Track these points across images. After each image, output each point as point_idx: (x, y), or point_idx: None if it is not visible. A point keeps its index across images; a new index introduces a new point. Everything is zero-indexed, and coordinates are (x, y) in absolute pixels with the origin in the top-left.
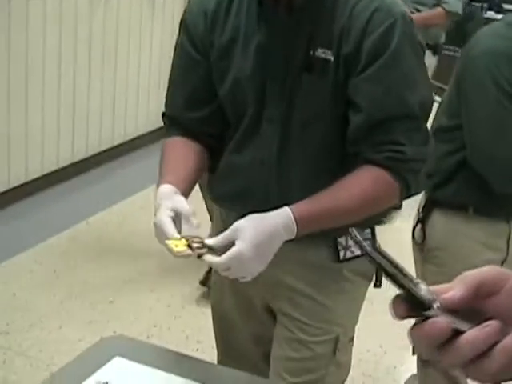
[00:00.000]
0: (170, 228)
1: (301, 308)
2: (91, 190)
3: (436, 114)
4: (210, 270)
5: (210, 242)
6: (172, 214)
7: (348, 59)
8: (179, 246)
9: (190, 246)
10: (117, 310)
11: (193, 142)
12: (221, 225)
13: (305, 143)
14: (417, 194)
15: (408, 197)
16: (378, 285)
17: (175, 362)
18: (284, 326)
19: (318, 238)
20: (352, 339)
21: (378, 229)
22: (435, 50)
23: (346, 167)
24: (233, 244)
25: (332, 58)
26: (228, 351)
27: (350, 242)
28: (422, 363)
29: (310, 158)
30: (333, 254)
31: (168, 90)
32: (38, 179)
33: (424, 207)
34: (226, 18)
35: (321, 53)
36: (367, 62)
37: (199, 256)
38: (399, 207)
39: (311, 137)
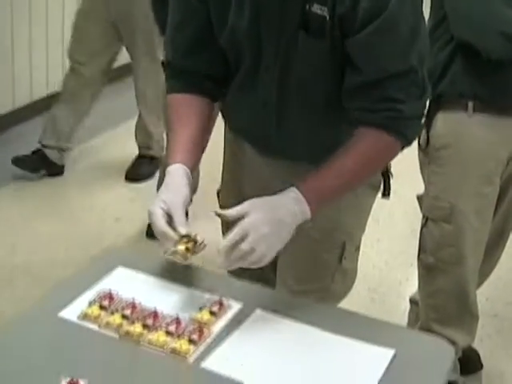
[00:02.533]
0: (159, 219)
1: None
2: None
3: (427, 22)
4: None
5: (222, 212)
6: (165, 207)
7: (343, 19)
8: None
9: (186, 248)
10: (123, 228)
11: (196, 100)
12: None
13: (303, 95)
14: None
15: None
16: (386, 194)
17: (180, 271)
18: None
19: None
20: (358, 248)
21: None
22: None
23: (345, 111)
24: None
25: (327, 16)
26: None
27: None
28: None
29: (310, 106)
30: None
31: (167, 36)
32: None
33: (428, 113)
34: None
35: (317, 8)
36: (363, 22)
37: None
38: None
39: (309, 89)
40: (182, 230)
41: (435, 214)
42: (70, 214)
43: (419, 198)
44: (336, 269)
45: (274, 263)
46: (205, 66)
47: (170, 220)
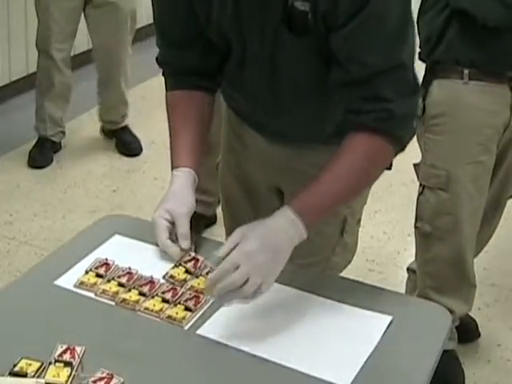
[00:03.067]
0: (163, 232)
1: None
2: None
3: None
4: None
5: (216, 254)
6: (168, 217)
7: (326, 14)
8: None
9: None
10: (120, 199)
11: (195, 96)
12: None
13: (294, 89)
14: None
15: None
16: (388, 168)
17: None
18: None
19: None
20: (359, 221)
21: None
22: None
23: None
24: None
25: (310, 13)
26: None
27: None
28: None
29: (303, 99)
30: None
31: (157, 35)
32: None
33: (423, 79)
34: None
35: (299, 4)
36: (346, 16)
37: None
38: None
39: (300, 84)
40: (185, 245)
41: (432, 182)
42: (66, 184)
43: (416, 167)
44: (337, 242)
45: None
46: (196, 60)
47: (172, 228)
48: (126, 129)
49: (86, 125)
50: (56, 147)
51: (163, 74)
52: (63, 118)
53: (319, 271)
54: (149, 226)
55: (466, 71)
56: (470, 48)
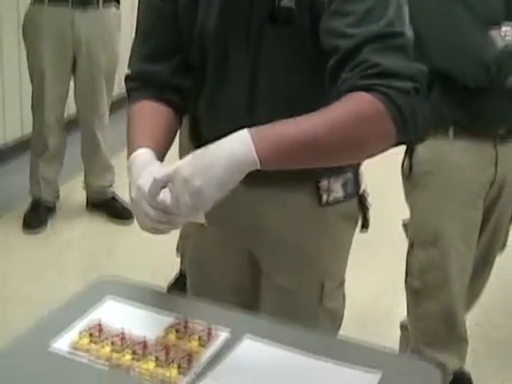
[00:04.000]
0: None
1: (284, 254)
2: None
3: None
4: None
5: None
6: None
7: (311, 5)
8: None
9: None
10: (114, 261)
11: (160, 105)
12: None
13: (275, 90)
14: (420, 133)
15: (410, 131)
16: (364, 227)
17: (168, 300)
18: (267, 273)
19: (299, 181)
20: (342, 284)
21: None
22: None
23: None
24: None
25: (294, 7)
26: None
27: (333, 185)
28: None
29: (283, 103)
30: (315, 197)
31: (133, 47)
32: None
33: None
34: None
35: (286, 2)
36: (326, 3)
37: None
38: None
39: (281, 85)
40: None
41: (421, 238)
42: (61, 246)
43: (405, 224)
44: (317, 309)
45: (245, 306)
46: (170, 75)
47: None
48: (114, 198)
49: (79, 187)
50: (50, 210)
51: (129, 90)
52: (57, 181)
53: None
54: (142, 289)
55: (451, 130)
56: (453, 108)
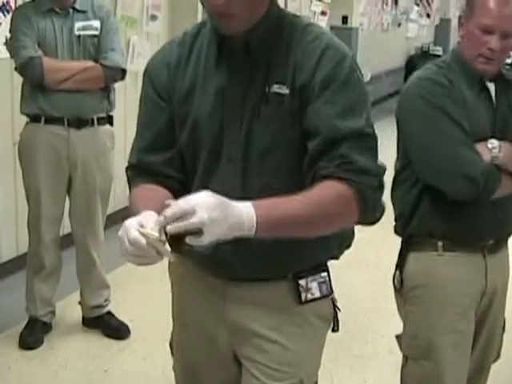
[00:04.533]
0: (134, 226)
1: (265, 352)
2: None
3: (394, 164)
4: None
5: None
6: (140, 222)
7: (302, 90)
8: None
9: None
10: (111, 379)
11: (158, 186)
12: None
13: (265, 175)
14: (376, 219)
15: (368, 218)
16: (335, 329)
17: None
18: (249, 372)
19: (277, 277)
20: (316, 383)
21: None
22: None
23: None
24: None
25: (287, 91)
26: None
27: (310, 284)
28: None
29: (273, 191)
30: (294, 295)
31: (135, 138)
32: None
33: (400, 253)
34: (186, 66)
35: (276, 88)
36: (320, 90)
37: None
38: (349, 245)
39: (271, 167)
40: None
41: (414, 352)
42: (57, 365)
43: (398, 338)
44: None
45: None
46: (165, 166)
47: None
48: (110, 314)
49: (75, 304)
50: (47, 328)
51: (130, 179)
52: (53, 298)
53: None
54: None
55: (440, 243)
56: (442, 221)
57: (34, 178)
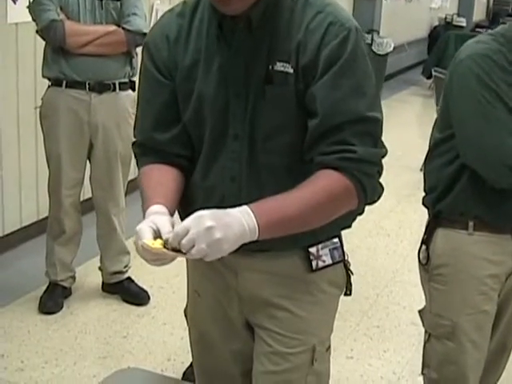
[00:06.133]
0: (147, 233)
1: (277, 320)
2: None
3: (431, 132)
4: None
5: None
6: (154, 226)
7: (306, 70)
8: (155, 244)
9: (164, 247)
10: (130, 345)
11: (167, 166)
12: None
13: (272, 156)
14: (374, 201)
15: (366, 203)
16: (348, 293)
17: None
18: (262, 339)
19: (290, 248)
20: (329, 348)
21: None
22: None
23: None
24: None
25: (292, 71)
26: (208, 372)
27: (321, 252)
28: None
29: (279, 169)
30: (305, 264)
31: (136, 115)
32: None
33: (427, 227)
34: (187, 41)
35: (280, 66)
36: (323, 70)
37: (173, 250)
38: (361, 212)
39: (278, 148)
40: (166, 236)
41: (437, 332)
42: (77, 330)
43: (420, 312)
44: (308, 371)
45: (246, 374)
46: (170, 144)
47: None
48: (129, 280)
49: (95, 270)
50: (66, 293)
51: (137, 156)
52: (73, 263)
53: None
54: (164, 381)
55: (471, 223)
56: (476, 203)
57: (55, 142)
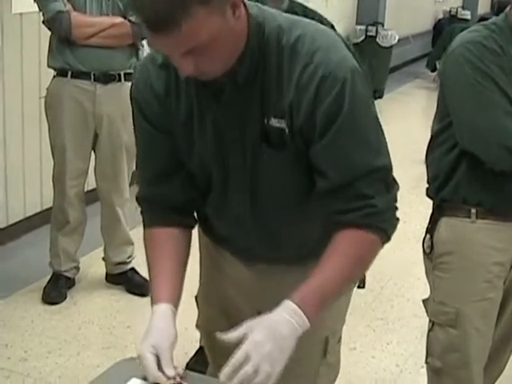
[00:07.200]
0: (151, 367)
1: None
2: None
3: (432, 124)
4: None
5: (222, 336)
6: (154, 351)
7: (303, 130)
8: None
9: None
10: (134, 335)
11: (173, 233)
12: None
13: (275, 206)
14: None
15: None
16: (361, 286)
17: (195, 380)
18: None
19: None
20: (340, 339)
21: None
22: None
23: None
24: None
25: (287, 129)
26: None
27: None
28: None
29: (283, 216)
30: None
31: (137, 166)
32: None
33: (431, 217)
34: (178, 98)
35: (275, 122)
36: (321, 130)
37: None
38: None
39: (280, 200)
40: (170, 372)
41: (441, 319)
42: (81, 320)
43: (425, 302)
44: (320, 363)
45: None
46: (176, 195)
47: (158, 361)
48: (133, 271)
49: (99, 260)
50: (70, 283)
51: (141, 212)
52: (77, 254)
53: None
54: None
55: (473, 210)
56: (477, 189)
57: (60, 132)
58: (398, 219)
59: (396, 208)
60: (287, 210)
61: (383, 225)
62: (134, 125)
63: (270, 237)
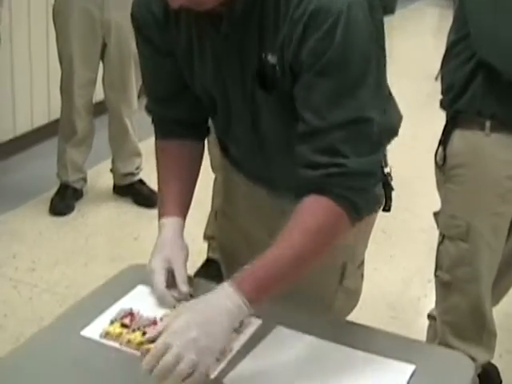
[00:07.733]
0: (159, 279)
1: None
2: None
3: (448, 35)
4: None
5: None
6: (166, 265)
7: (292, 68)
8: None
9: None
10: (141, 247)
11: (184, 147)
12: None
13: (275, 136)
14: (374, 211)
15: (361, 219)
16: (386, 209)
17: (199, 287)
18: None
19: None
20: (362, 264)
21: None
22: None
23: None
24: None
25: (277, 66)
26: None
27: None
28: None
29: (286, 149)
30: None
31: (145, 88)
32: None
33: (444, 129)
34: (178, 28)
35: (271, 58)
36: (308, 63)
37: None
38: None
39: (278, 134)
40: (184, 288)
41: (452, 232)
42: (88, 231)
43: (436, 215)
44: (337, 289)
45: None
46: (184, 113)
47: (170, 277)
48: (141, 182)
49: (107, 172)
50: (77, 194)
51: (152, 121)
52: (85, 165)
53: (337, 319)
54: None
55: (488, 123)
56: (493, 101)
57: (67, 42)
58: (381, 194)
59: (375, 177)
60: (286, 145)
61: (352, 195)
62: (137, 48)
63: (275, 164)
